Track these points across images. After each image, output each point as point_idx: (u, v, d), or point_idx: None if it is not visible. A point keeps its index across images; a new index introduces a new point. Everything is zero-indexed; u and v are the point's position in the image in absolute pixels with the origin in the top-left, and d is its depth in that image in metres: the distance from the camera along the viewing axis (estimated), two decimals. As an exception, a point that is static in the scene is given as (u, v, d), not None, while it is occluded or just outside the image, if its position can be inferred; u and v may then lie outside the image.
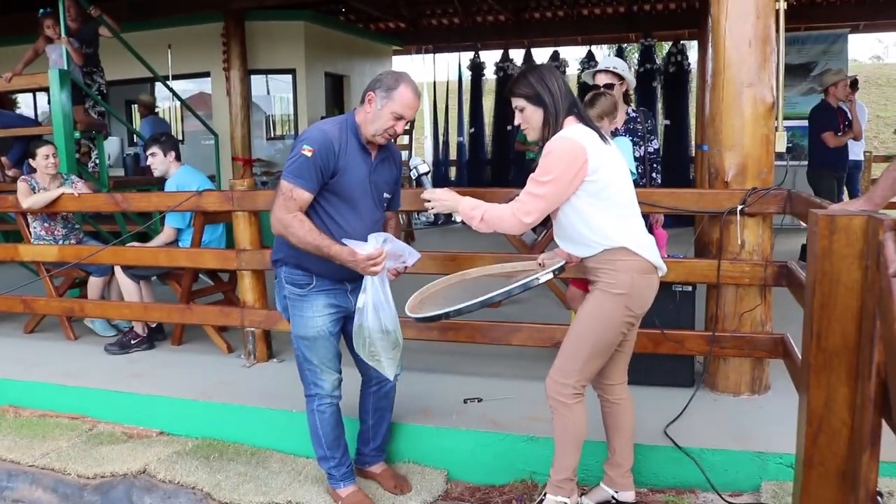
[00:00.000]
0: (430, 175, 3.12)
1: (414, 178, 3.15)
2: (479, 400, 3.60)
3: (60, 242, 5.39)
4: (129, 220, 7.18)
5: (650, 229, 4.72)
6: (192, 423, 4.05)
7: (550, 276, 2.77)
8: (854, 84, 9.16)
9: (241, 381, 4.31)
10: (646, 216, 4.64)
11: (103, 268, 5.24)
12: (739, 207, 3.61)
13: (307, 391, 3.22)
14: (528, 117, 2.83)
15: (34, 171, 5.29)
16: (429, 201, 2.94)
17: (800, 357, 3.17)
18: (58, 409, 4.43)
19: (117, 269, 5.04)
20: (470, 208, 2.84)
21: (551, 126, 2.77)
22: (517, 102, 2.85)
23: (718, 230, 3.75)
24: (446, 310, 2.69)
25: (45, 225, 5.37)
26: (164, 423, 4.13)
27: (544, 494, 2.94)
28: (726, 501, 3.04)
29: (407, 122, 3.02)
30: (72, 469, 3.75)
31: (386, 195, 3.18)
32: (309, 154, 2.88)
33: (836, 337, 2.02)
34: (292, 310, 3.18)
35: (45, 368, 4.72)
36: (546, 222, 6.17)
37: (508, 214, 2.75)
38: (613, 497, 3.06)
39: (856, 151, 9.04)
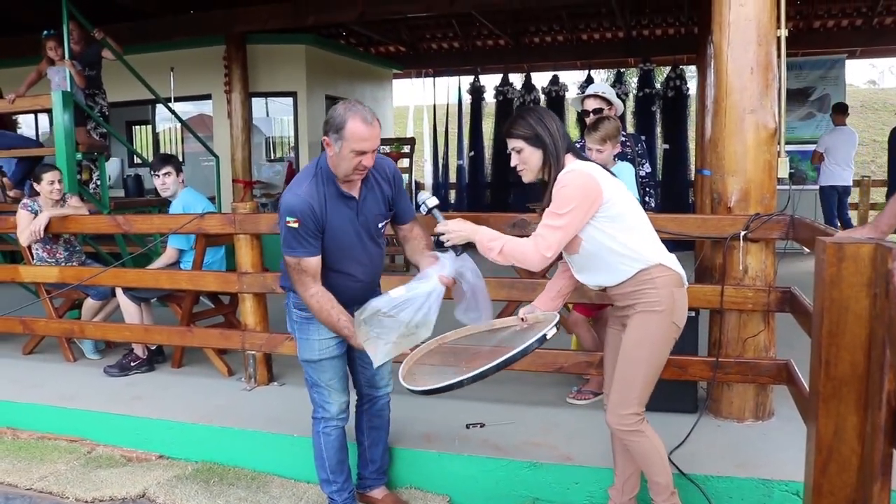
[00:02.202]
0: (439, 207, 3.01)
1: (424, 213, 3.06)
2: (482, 425, 3.57)
3: (62, 264, 5.37)
4: (129, 242, 7.18)
5: None
6: (192, 446, 4.02)
7: (555, 330, 2.70)
8: (843, 109, 9.27)
9: (241, 405, 4.29)
10: None
11: (103, 291, 5.23)
12: (742, 233, 3.61)
13: (314, 413, 3.21)
14: (527, 158, 2.84)
15: (36, 193, 5.28)
16: (443, 234, 2.87)
17: (804, 383, 3.18)
18: (56, 431, 4.39)
19: (118, 291, 5.03)
20: (488, 239, 2.80)
21: (551, 166, 2.80)
22: (515, 144, 2.86)
23: (721, 255, 3.75)
24: (459, 378, 2.56)
25: (47, 247, 5.36)
26: (164, 447, 4.10)
27: None
28: (731, 528, 3.02)
29: (373, 152, 2.88)
30: (70, 493, 3.72)
31: (381, 225, 3.12)
32: (295, 225, 2.86)
33: (845, 365, 2.01)
34: (299, 333, 3.17)
35: (43, 390, 4.69)
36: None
37: (531, 248, 2.72)
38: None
39: (844, 177, 9.14)
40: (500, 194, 11.93)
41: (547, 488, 3.32)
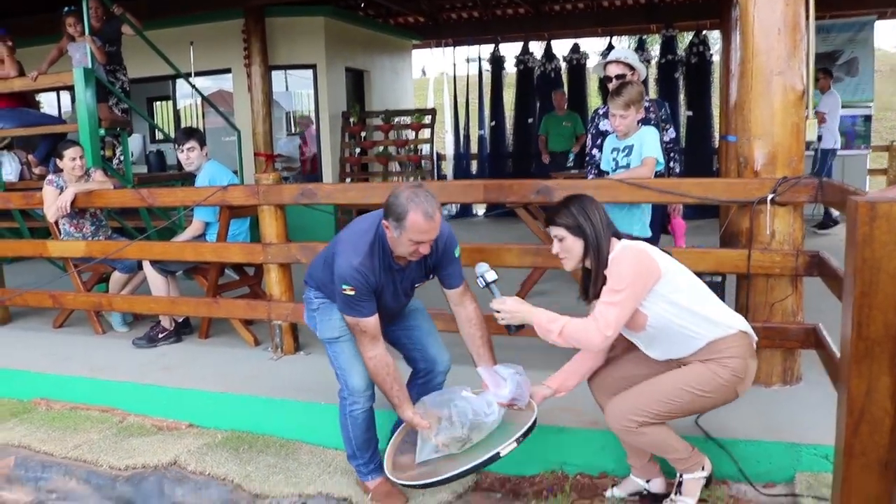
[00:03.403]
0: (497, 282, 2.97)
1: (481, 286, 2.99)
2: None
3: (89, 239, 5.42)
4: (153, 216, 7.23)
5: (668, 219, 4.69)
6: (221, 415, 4.08)
7: (514, 446, 2.80)
8: (829, 73, 9.14)
9: (268, 374, 4.33)
10: (664, 205, 4.63)
11: (129, 264, 5.27)
12: (770, 196, 3.57)
13: (340, 392, 3.22)
14: (569, 247, 2.81)
15: (60, 169, 5.32)
16: (498, 312, 2.86)
17: (834, 347, 3.15)
18: (88, 401, 4.47)
19: (145, 264, 5.07)
20: (546, 321, 2.77)
21: (593, 255, 2.78)
22: (557, 232, 2.83)
23: (748, 220, 3.70)
24: (448, 474, 2.78)
25: (74, 222, 5.40)
26: (194, 416, 4.16)
27: (681, 476, 2.92)
28: (759, 493, 3.01)
29: (431, 241, 2.91)
30: (104, 461, 3.79)
31: (417, 284, 3.20)
32: (351, 293, 2.93)
33: (878, 325, 1.99)
34: (321, 315, 3.22)
35: (74, 362, 4.77)
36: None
37: (592, 329, 2.68)
38: (645, 488, 3.04)
39: (838, 141, 9.02)
40: (522, 164, 11.86)
41: (574, 453, 3.33)
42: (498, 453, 2.77)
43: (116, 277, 5.39)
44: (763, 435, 3.21)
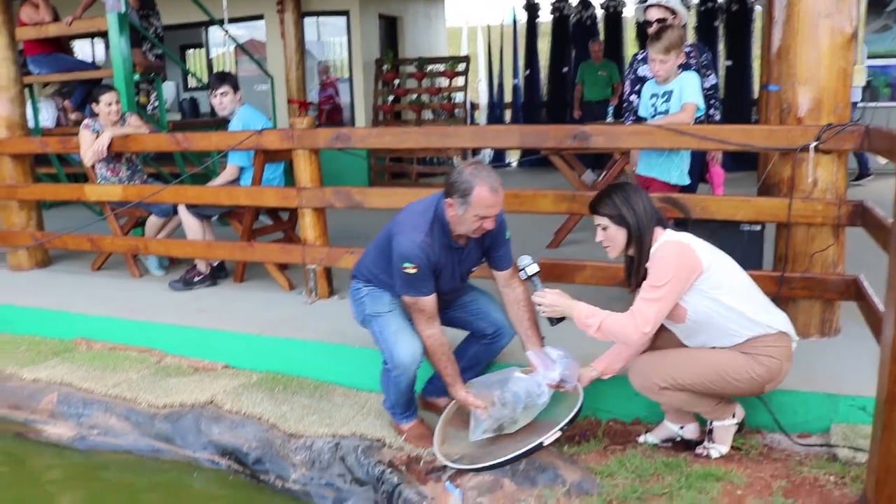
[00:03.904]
0: (539, 274, 3.01)
1: (523, 279, 3.06)
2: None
3: (125, 183, 5.47)
4: (188, 162, 7.28)
5: (706, 167, 4.60)
6: (257, 357, 4.13)
7: (559, 434, 2.87)
8: None
9: (303, 317, 4.37)
10: (703, 153, 4.53)
11: (165, 208, 5.32)
12: (813, 144, 3.47)
13: (385, 363, 3.18)
14: (612, 236, 2.80)
15: (96, 114, 5.35)
16: (539, 304, 2.89)
17: (875, 299, 3.10)
18: (127, 342, 4.55)
19: (181, 208, 5.11)
20: (586, 316, 2.78)
21: (636, 244, 2.76)
22: (600, 221, 2.82)
23: (789, 168, 3.62)
24: (490, 462, 2.87)
25: (110, 166, 5.44)
26: (229, 357, 4.22)
27: (711, 423, 2.93)
28: (794, 442, 2.99)
29: (495, 217, 2.96)
30: (142, 399, 3.87)
31: (474, 268, 3.25)
32: (413, 271, 2.95)
33: (927, 271, 1.94)
34: (369, 297, 3.24)
35: (113, 304, 4.84)
36: (602, 164, 6.01)
37: (630, 325, 2.69)
38: (678, 434, 3.04)
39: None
40: (557, 114, 11.69)
41: (607, 399, 3.33)
42: (542, 443, 2.83)
43: (152, 222, 5.44)
44: (799, 385, 3.17)
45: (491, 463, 2.86)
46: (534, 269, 3.00)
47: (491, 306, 3.35)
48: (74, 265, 5.95)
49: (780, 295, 3.62)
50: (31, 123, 7.99)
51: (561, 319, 2.92)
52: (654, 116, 4.11)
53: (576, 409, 2.92)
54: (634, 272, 2.83)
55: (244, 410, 3.63)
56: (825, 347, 3.60)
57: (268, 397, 3.74)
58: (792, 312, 3.70)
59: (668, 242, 2.72)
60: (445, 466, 3.05)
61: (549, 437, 2.85)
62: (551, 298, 2.87)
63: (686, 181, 4.15)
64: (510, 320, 3.24)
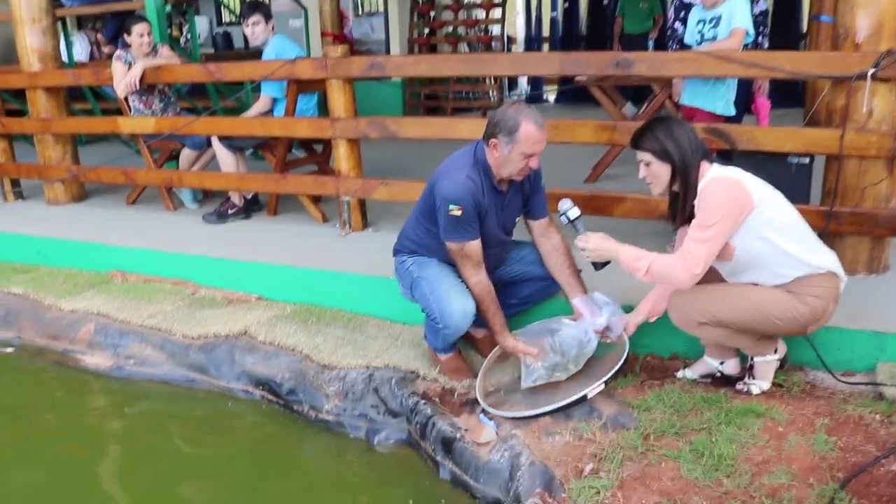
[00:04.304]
0: (581, 218, 2.91)
1: (564, 223, 2.95)
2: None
3: (158, 115, 5.43)
4: (222, 96, 7.22)
5: (752, 98, 4.42)
6: (290, 288, 4.12)
7: (602, 387, 2.83)
8: None
9: (337, 249, 4.33)
10: (749, 82, 4.35)
11: (198, 140, 5.28)
12: (871, 71, 3.29)
13: (434, 323, 3.08)
14: (655, 172, 2.67)
15: (129, 46, 5.28)
16: (583, 249, 2.80)
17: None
18: (162, 274, 4.57)
19: (214, 141, 5.06)
20: (633, 259, 2.68)
21: (681, 181, 2.63)
22: (643, 156, 2.68)
23: (843, 98, 3.45)
24: (535, 412, 2.81)
25: (143, 98, 5.40)
26: (263, 289, 4.21)
27: (752, 359, 2.86)
28: (838, 380, 2.90)
29: (539, 154, 2.88)
30: (177, 329, 3.89)
31: (516, 219, 3.16)
32: (458, 213, 2.88)
33: None
34: (416, 264, 3.17)
35: (147, 237, 4.85)
36: (643, 98, 5.81)
37: (680, 267, 2.58)
38: (718, 369, 2.97)
39: None
40: (596, 48, 11.37)
41: (645, 334, 3.23)
42: (586, 395, 2.79)
43: (186, 154, 5.42)
44: (845, 322, 3.06)
45: (535, 412, 2.81)
46: (575, 212, 2.91)
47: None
48: (109, 199, 5.96)
49: (828, 230, 3.50)
50: (64, 58, 7.99)
51: (605, 264, 2.83)
52: (700, 43, 3.93)
53: (621, 362, 2.88)
54: (680, 210, 2.71)
55: (278, 341, 3.62)
56: (873, 285, 3.47)
57: (301, 329, 3.73)
58: (839, 249, 3.58)
59: (716, 178, 2.58)
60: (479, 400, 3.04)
61: (593, 390, 2.80)
62: (595, 242, 2.78)
63: (732, 112, 3.99)
64: (550, 271, 3.17)
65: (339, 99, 4.38)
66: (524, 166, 2.87)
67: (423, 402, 3.06)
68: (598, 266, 2.84)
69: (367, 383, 3.27)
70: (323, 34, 9.70)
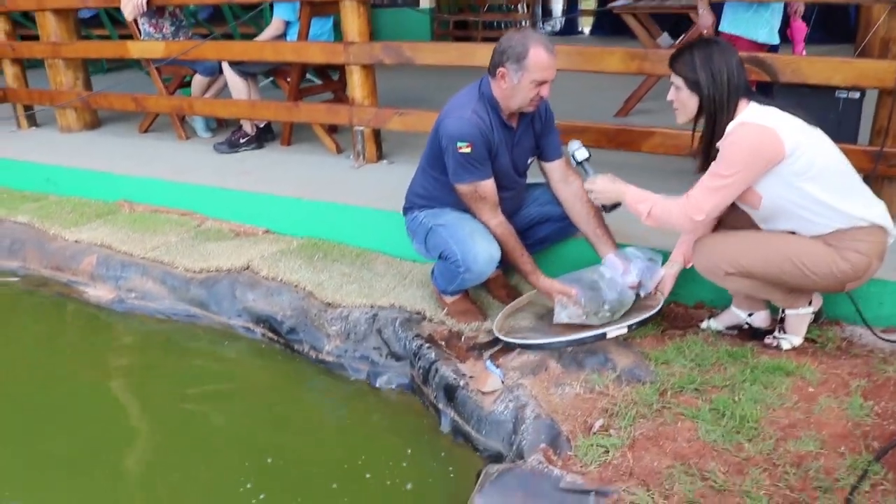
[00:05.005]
0: (590, 160, 2.76)
1: (573, 165, 2.81)
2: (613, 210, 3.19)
3: (169, 39, 5.20)
4: (241, 24, 6.96)
5: (787, 20, 4.04)
6: (298, 222, 3.93)
7: (624, 331, 2.63)
8: None
9: (349, 182, 4.12)
10: (784, 5, 3.98)
11: (210, 66, 5.05)
12: (936, -7, 2.95)
13: (454, 263, 2.85)
14: (684, 101, 2.42)
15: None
16: (590, 192, 2.69)
17: None
18: (169, 204, 4.41)
19: (225, 66, 4.84)
20: (636, 201, 2.53)
21: (707, 119, 2.37)
22: (675, 79, 2.43)
23: (902, 24, 3.11)
24: (549, 340, 2.67)
25: (153, 21, 5.17)
26: (270, 222, 4.04)
27: (783, 311, 2.63)
28: (878, 337, 2.65)
29: (551, 81, 2.66)
30: (179, 262, 3.74)
31: (529, 160, 2.97)
32: (468, 150, 2.69)
33: None
34: (429, 214, 2.97)
35: (157, 165, 4.68)
36: (680, 30, 5.42)
37: (680, 213, 2.41)
38: (746, 321, 2.73)
39: None
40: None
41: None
42: (605, 333, 2.60)
43: (198, 81, 5.20)
44: (889, 274, 2.77)
45: (548, 340, 2.64)
46: (583, 153, 2.75)
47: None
48: (122, 128, 5.80)
49: (877, 173, 3.21)
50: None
51: (616, 206, 2.66)
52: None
53: (651, 313, 2.67)
54: (703, 151, 2.46)
55: (281, 277, 3.45)
56: (923, 232, 3.18)
57: (306, 264, 3.55)
58: (888, 193, 3.30)
59: (745, 124, 2.29)
60: (487, 344, 2.85)
61: (613, 329, 2.60)
62: (601, 184, 2.63)
63: (776, 40, 3.68)
64: (573, 220, 2.95)
65: (353, 22, 4.12)
66: (535, 95, 2.66)
67: (427, 345, 2.88)
68: (608, 208, 2.68)
69: (370, 324, 3.10)
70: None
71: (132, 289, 3.76)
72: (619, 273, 2.74)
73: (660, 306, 2.71)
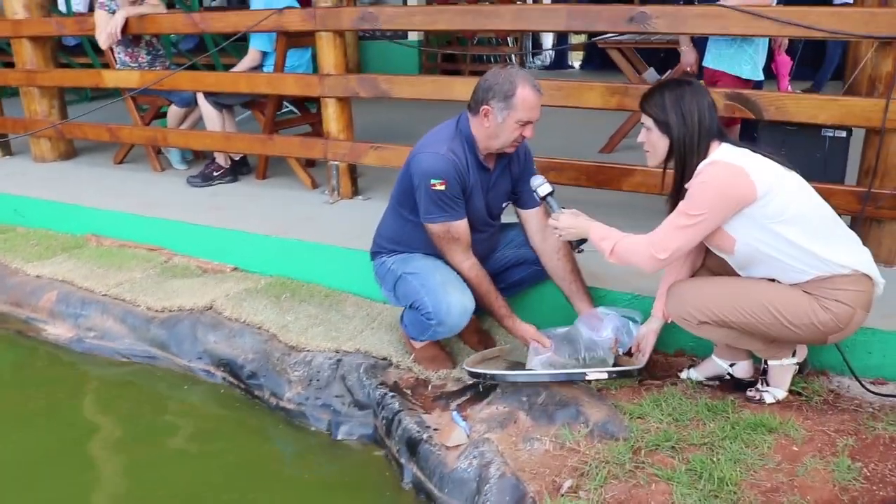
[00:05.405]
0: (554, 194, 2.62)
1: (538, 199, 2.67)
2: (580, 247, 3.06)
3: (145, 69, 5.09)
4: (223, 53, 6.86)
5: (772, 55, 3.95)
6: (267, 260, 3.79)
7: (605, 376, 2.54)
8: None
9: (322, 218, 3.98)
10: (770, 39, 3.88)
11: (186, 97, 4.94)
12: (927, 32, 2.85)
13: (426, 320, 2.69)
14: (654, 142, 2.32)
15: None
16: (556, 229, 2.54)
17: None
18: (137, 239, 4.26)
19: (200, 97, 4.72)
20: (600, 238, 2.41)
21: (677, 161, 2.26)
22: (645, 120, 2.34)
23: (890, 62, 3.01)
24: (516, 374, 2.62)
25: (129, 51, 5.06)
26: (239, 259, 3.89)
27: (765, 362, 2.47)
28: (866, 389, 2.50)
29: (535, 123, 2.56)
30: (142, 301, 3.59)
31: (503, 205, 2.86)
32: (442, 188, 2.56)
33: None
34: (398, 260, 2.82)
35: (128, 199, 4.54)
36: (669, 66, 5.33)
37: (642, 250, 2.29)
38: (727, 372, 2.58)
39: None
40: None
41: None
42: (585, 374, 2.52)
43: (173, 111, 5.08)
44: (877, 322, 2.63)
45: (523, 374, 2.53)
46: (546, 188, 2.61)
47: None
48: (97, 158, 5.65)
49: (864, 214, 3.09)
50: (62, 8, 7.70)
51: (583, 241, 2.52)
52: (727, -3, 3.50)
53: (634, 368, 2.57)
54: (673, 194, 2.34)
55: (244, 318, 3.30)
56: (913, 277, 3.05)
57: (273, 304, 3.40)
58: (876, 236, 3.18)
59: (716, 163, 2.17)
60: (455, 393, 2.70)
61: (595, 373, 2.49)
62: (565, 220, 2.49)
63: (760, 76, 3.57)
64: (550, 275, 2.82)
65: (328, 54, 4.01)
66: (518, 136, 2.54)
67: (391, 394, 2.72)
68: (575, 245, 2.55)
69: (333, 369, 2.94)
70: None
71: (92, 327, 3.60)
72: (597, 330, 2.61)
73: (643, 364, 2.59)
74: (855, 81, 3.25)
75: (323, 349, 3.04)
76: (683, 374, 2.65)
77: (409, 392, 2.75)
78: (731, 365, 2.57)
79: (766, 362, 2.45)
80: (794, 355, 2.43)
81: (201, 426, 3.02)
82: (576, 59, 11.46)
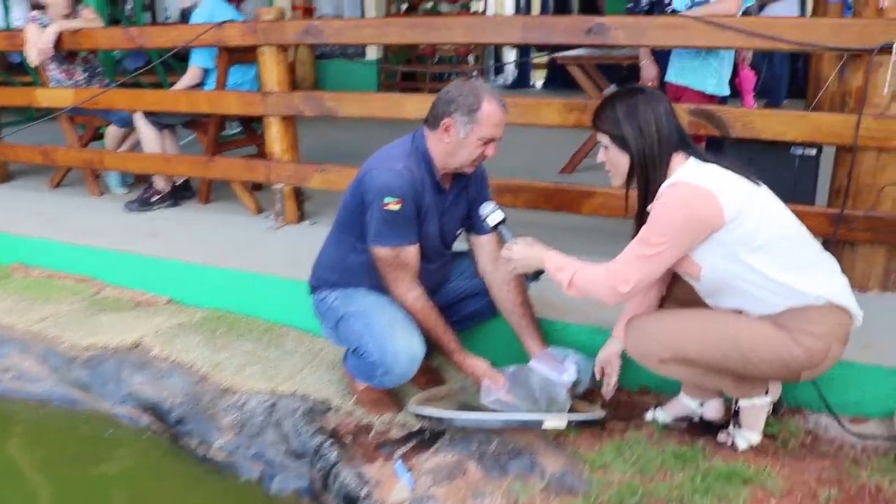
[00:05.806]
0: (506, 222, 2.44)
1: (487, 230, 2.51)
2: (537, 279, 2.86)
3: (82, 87, 4.80)
4: (170, 71, 6.57)
5: (736, 69, 3.80)
6: (204, 291, 3.52)
7: (563, 425, 2.25)
8: None
9: (264, 245, 3.73)
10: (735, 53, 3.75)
11: (125, 117, 4.65)
12: (897, 44, 2.69)
13: (371, 368, 2.46)
14: (613, 160, 2.13)
15: (45, 6, 4.63)
16: (509, 260, 2.34)
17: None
18: (67, 269, 3.97)
19: (136, 117, 4.44)
20: (556, 269, 2.20)
21: (640, 177, 2.07)
22: (601, 138, 2.14)
23: (860, 76, 2.84)
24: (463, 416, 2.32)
25: (63, 68, 4.78)
26: (174, 291, 3.62)
27: (737, 402, 2.26)
28: (845, 429, 2.31)
29: (498, 140, 2.39)
30: (66, 337, 3.30)
31: (458, 231, 2.67)
32: (396, 208, 2.35)
33: None
34: (340, 297, 2.59)
35: (59, 225, 4.25)
36: (632, 82, 5.19)
37: (602, 281, 2.09)
38: (697, 412, 2.37)
39: None
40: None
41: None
42: (542, 421, 2.24)
43: (112, 132, 4.80)
44: (855, 354, 2.43)
45: (471, 416, 2.29)
46: (498, 216, 2.42)
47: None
48: (33, 182, 5.34)
49: (837, 237, 2.91)
50: (1, 23, 7.39)
51: (539, 273, 2.31)
52: (691, 8, 3.33)
53: (595, 417, 2.36)
54: (637, 215, 2.14)
55: (174, 357, 3.03)
56: (889, 305, 2.88)
57: (206, 341, 3.13)
58: (849, 259, 3.01)
59: (679, 184, 1.96)
60: (399, 441, 2.45)
61: (553, 420, 2.22)
62: (519, 251, 2.27)
63: (725, 91, 3.41)
64: (497, 304, 2.61)
65: (272, 70, 3.78)
66: (479, 155, 2.34)
67: (329, 442, 2.46)
68: (531, 277, 2.39)
69: (268, 414, 2.67)
70: (293, 8, 9.03)
71: (9, 368, 3.28)
72: (556, 371, 2.39)
73: (602, 416, 2.37)
74: (822, 99, 3.09)
75: (258, 390, 2.77)
76: (649, 416, 2.43)
77: (349, 439, 2.50)
78: (701, 405, 2.36)
79: (737, 402, 2.24)
80: (766, 393, 2.22)
81: (120, 477, 2.72)
82: (538, 79, 11.33)
